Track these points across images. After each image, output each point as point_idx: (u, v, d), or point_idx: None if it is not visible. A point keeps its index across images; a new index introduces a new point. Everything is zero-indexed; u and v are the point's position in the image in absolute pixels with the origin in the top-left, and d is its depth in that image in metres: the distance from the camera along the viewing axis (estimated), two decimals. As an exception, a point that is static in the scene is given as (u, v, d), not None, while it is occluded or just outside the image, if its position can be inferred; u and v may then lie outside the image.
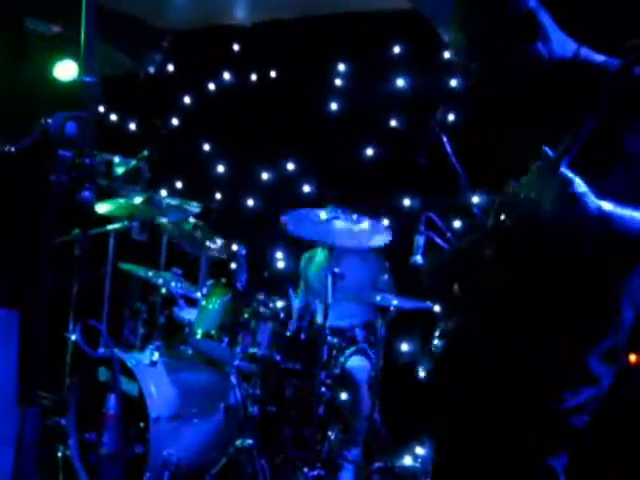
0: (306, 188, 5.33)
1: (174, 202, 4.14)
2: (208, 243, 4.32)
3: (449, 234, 3.47)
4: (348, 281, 4.08)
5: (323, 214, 3.92)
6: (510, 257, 1.98)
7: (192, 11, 5.63)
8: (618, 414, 3.07)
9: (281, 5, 5.28)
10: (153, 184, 5.41)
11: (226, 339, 3.85)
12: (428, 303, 4.12)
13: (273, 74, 5.64)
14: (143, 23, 5.86)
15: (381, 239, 4.07)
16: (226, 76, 5.79)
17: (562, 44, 2.05)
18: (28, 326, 2.70)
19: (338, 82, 5.34)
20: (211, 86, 5.84)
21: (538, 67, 2.02)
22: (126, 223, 4.05)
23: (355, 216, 3.93)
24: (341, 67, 5.34)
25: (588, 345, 1.95)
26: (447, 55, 4.92)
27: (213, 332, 3.88)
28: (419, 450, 4.34)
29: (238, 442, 3.71)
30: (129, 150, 5.11)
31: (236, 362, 3.84)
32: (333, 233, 3.93)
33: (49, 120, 1.44)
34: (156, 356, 3.88)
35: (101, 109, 5.81)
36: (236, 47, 5.74)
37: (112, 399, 1.89)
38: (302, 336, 3.91)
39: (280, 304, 3.99)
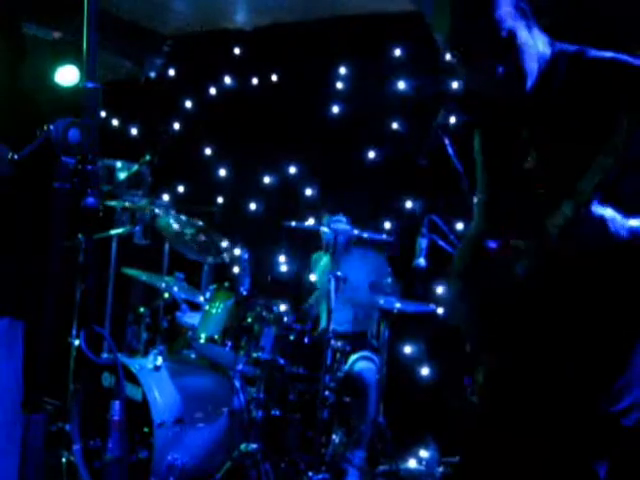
0: (308, 191, 5.33)
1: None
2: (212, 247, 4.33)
3: (452, 237, 3.47)
4: (350, 285, 4.08)
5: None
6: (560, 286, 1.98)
7: (193, 16, 5.63)
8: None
9: (281, 8, 5.28)
10: (155, 189, 5.42)
11: (229, 343, 3.84)
12: (430, 306, 4.12)
13: (274, 78, 5.63)
14: (144, 28, 5.86)
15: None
16: (227, 80, 5.79)
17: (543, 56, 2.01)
18: (32, 334, 2.70)
19: (339, 85, 5.34)
20: (212, 90, 5.84)
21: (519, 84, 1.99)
22: (129, 228, 4.05)
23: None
24: (342, 70, 5.34)
25: (634, 343, 1.96)
26: (448, 57, 4.92)
27: (216, 336, 3.87)
28: (423, 453, 4.34)
29: (242, 446, 3.71)
30: (131, 155, 5.13)
31: (240, 366, 3.83)
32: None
33: (52, 127, 1.44)
34: (160, 361, 3.87)
35: (102, 114, 5.81)
36: (237, 51, 5.73)
37: (116, 405, 1.88)
38: (306, 340, 3.90)
39: (283, 308, 3.99)
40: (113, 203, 4.43)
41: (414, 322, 4.42)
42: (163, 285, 4.29)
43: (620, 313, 1.96)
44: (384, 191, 4.87)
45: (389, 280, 4.48)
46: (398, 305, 3.98)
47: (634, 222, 1.85)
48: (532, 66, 1.99)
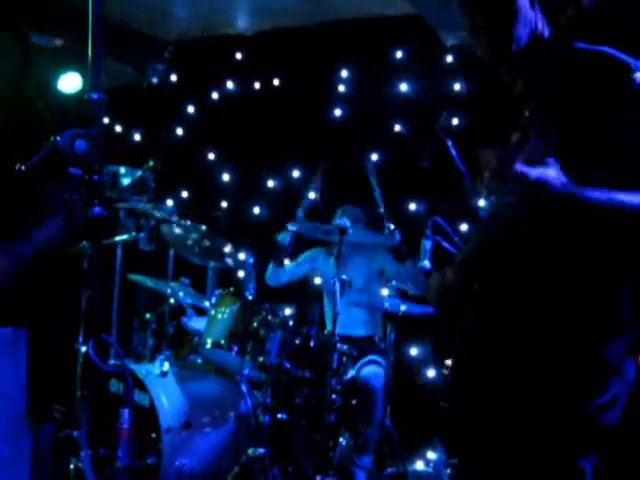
0: (312, 195, 5.33)
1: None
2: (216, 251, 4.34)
3: (456, 238, 3.48)
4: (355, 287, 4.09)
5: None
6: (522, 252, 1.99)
7: (194, 21, 5.64)
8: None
9: (282, 13, 5.29)
10: (159, 194, 5.43)
11: (236, 348, 3.85)
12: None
13: (276, 82, 5.65)
14: (145, 35, 5.88)
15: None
16: (229, 85, 5.81)
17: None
18: (36, 343, 2.72)
19: (341, 88, 5.35)
20: (215, 95, 5.85)
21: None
22: (134, 234, 4.06)
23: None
24: (344, 73, 5.35)
25: (605, 339, 1.94)
26: (450, 59, 4.93)
27: (223, 341, 3.87)
28: (431, 455, 4.34)
29: (250, 451, 3.71)
30: (134, 161, 5.14)
31: (246, 371, 3.84)
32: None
33: (58, 138, 1.45)
34: (166, 366, 3.89)
35: (105, 120, 5.83)
36: (239, 56, 5.75)
37: (125, 413, 1.88)
38: (311, 344, 3.91)
39: (288, 312, 3.99)
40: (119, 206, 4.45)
41: (420, 324, 4.43)
42: (168, 291, 4.30)
43: (594, 297, 1.94)
44: (387, 193, 4.87)
45: (394, 282, 4.49)
46: (403, 307, 3.98)
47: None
48: (523, 31, 2.03)
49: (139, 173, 4.99)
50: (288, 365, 3.81)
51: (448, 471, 4.16)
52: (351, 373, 4.00)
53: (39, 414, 2.82)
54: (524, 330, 1.99)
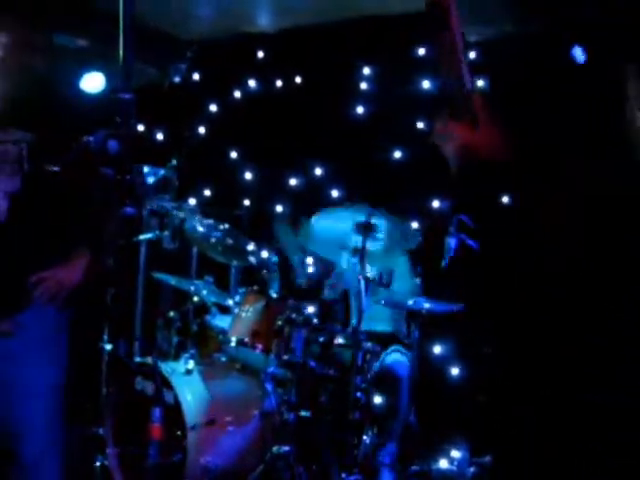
0: (334, 192, 5.33)
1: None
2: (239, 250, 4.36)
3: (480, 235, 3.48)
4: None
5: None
6: None
7: (215, 21, 5.65)
8: None
9: (304, 10, 5.28)
10: (182, 193, 5.45)
11: (260, 346, 3.86)
12: (459, 305, 4.11)
13: (298, 79, 5.64)
14: (167, 35, 5.89)
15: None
16: (251, 83, 5.81)
17: None
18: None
19: (364, 85, 5.34)
20: (237, 93, 5.86)
21: None
22: (157, 233, 4.08)
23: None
24: (366, 70, 5.33)
25: None
26: (472, 55, 4.90)
27: (247, 339, 3.89)
28: (455, 453, 4.33)
29: (275, 449, 3.72)
30: (157, 160, 5.16)
31: (271, 369, 3.85)
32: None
33: (91, 138, 1.46)
34: (191, 364, 3.91)
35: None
36: (260, 54, 5.75)
37: (157, 412, 1.89)
38: (336, 341, 3.91)
39: (312, 310, 4.00)
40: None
41: (443, 321, 4.41)
42: (192, 289, 4.32)
43: None
44: (411, 190, 4.86)
45: (416, 280, 4.48)
46: (427, 305, 3.97)
47: None
48: None
49: (162, 172, 5.00)
50: (313, 363, 3.82)
51: (472, 470, 4.15)
52: (375, 365, 3.99)
53: (71, 411, 2.85)
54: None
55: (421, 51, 5.08)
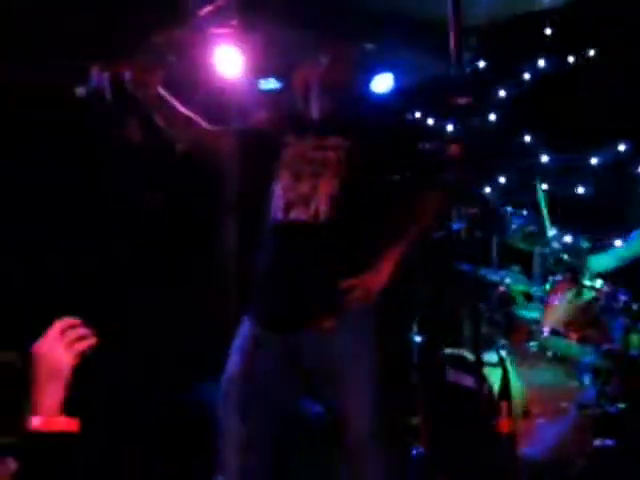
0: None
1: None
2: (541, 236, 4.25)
3: None
4: None
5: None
6: None
7: (498, 5, 5.53)
8: None
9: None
10: (476, 183, 5.41)
11: (575, 335, 3.72)
12: None
13: (592, 53, 5.35)
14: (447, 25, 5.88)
15: None
16: (541, 63, 5.62)
17: None
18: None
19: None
20: (526, 75, 5.70)
21: None
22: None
23: None
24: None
25: None
26: None
27: (561, 329, 3.77)
28: None
29: (597, 442, 3.57)
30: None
31: (588, 359, 3.69)
32: None
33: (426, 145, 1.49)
34: (503, 355, 3.86)
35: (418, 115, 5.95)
36: (548, 32, 5.54)
37: (503, 406, 1.89)
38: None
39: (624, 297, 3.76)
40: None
41: None
42: (497, 278, 4.28)
43: None
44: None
45: None
46: None
47: None
48: None
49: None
50: (635, 352, 3.60)
51: None
52: None
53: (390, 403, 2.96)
54: None
55: None
